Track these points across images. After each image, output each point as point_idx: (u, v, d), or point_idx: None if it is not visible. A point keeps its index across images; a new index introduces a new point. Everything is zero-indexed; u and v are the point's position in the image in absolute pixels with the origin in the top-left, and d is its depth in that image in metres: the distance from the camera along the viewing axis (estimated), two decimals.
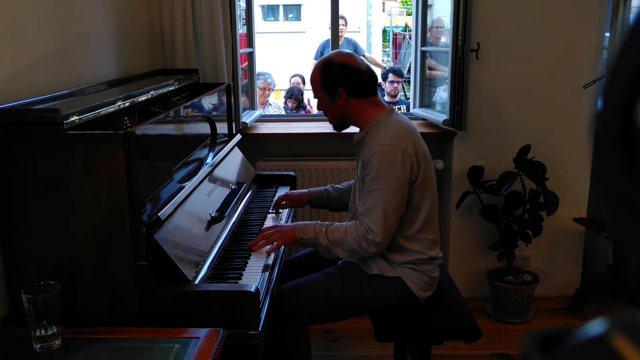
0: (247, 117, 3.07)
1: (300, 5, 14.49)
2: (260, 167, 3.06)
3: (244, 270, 1.77)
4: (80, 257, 1.49)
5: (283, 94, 5.81)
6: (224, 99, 2.56)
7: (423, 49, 3.29)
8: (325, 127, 2.90)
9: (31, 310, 1.31)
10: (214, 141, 2.32)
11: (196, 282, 1.59)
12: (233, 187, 2.26)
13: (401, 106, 4.91)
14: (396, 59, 11.10)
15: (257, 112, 3.33)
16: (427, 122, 3.17)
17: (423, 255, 1.93)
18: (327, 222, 1.93)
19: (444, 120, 2.92)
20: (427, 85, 3.35)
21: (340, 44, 5.14)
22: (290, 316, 1.86)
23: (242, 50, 3.05)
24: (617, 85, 0.33)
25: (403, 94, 5.88)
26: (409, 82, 5.14)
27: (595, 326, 0.36)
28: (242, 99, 3.09)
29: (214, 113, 2.36)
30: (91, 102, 1.60)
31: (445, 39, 3.15)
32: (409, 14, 12.77)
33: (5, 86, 1.57)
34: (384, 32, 14.08)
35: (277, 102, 5.45)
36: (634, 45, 0.32)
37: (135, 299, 1.48)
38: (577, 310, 3.05)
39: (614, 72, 0.33)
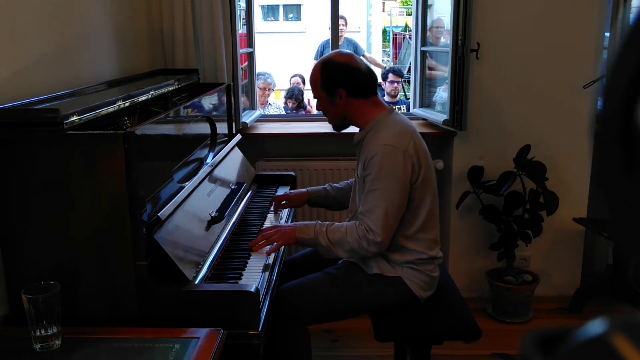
0: (247, 117, 3.07)
1: (300, 5, 14.49)
2: (260, 167, 3.06)
3: (244, 270, 1.77)
4: (80, 257, 1.49)
5: (283, 94, 5.81)
6: (224, 99, 2.56)
7: (423, 49, 3.29)
8: (325, 127, 2.90)
9: (31, 310, 1.31)
10: (214, 141, 2.32)
11: (196, 282, 1.59)
12: (233, 187, 2.26)
13: (401, 106, 4.91)
14: (396, 59, 11.10)
15: (257, 112, 3.33)
16: (427, 122, 3.17)
17: (423, 255, 1.93)
18: (328, 222, 1.93)
19: (444, 120, 2.92)
20: (427, 85, 3.35)
21: (340, 44, 5.14)
22: (290, 316, 1.86)
23: (242, 50, 3.06)
24: (617, 85, 0.33)
25: (403, 94, 5.88)
26: (409, 82, 5.14)
27: (595, 326, 0.36)
28: (242, 99, 3.09)
29: (214, 113, 2.36)
30: (91, 102, 1.60)
31: (445, 39, 3.15)
32: (409, 14, 12.77)
33: (5, 86, 1.57)
34: (384, 32, 14.09)
35: (277, 102, 5.45)
36: (634, 45, 0.32)
37: (135, 299, 1.48)
38: (577, 310, 3.05)
39: (614, 72, 0.33)
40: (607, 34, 2.94)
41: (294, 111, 4.84)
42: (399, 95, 5.07)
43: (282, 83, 6.50)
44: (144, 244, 1.47)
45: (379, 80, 5.01)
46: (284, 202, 2.32)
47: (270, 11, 14.73)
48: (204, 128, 2.24)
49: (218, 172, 2.17)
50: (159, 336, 1.38)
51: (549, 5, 2.89)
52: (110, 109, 1.66)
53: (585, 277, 3.19)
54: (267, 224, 2.20)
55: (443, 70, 3.17)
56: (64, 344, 1.35)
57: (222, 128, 2.45)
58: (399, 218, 1.87)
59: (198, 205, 1.88)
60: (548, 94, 2.97)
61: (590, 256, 3.33)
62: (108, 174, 1.43)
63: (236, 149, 2.53)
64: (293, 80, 5.33)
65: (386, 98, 4.91)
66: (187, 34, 2.80)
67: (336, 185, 2.32)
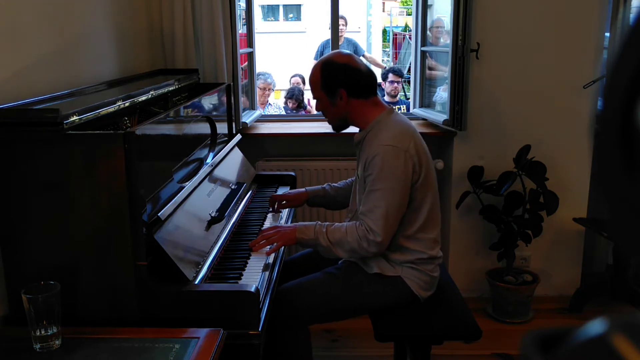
0: (247, 117, 3.07)
1: (300, 5, 14.49)
2: (260, 167, 3.06)
3: (244, 270, 1.77)
4: (80, 257, 1.49)
5: (283, 94, 5.81)
6: (224, 99, 2.56)
7: (423, 49, 3.29)
8: (325, 127, 2.90)
9: (31, 310, 1.31)
10: (214, 141, 2.32)
11: (196, 282, 1.59)
12: (233, 187, 2.26)
13: (401, 106, 4.91)
14: (396, 59, 11.10)
15: (257, 112, 3.33)
16: (427, 122, 3.17)
17: (423, 254, 1.93)
18: (327, 223, 1.93)
19: (444, 120, 2.92)
20: (427, 85, 3.35)
21: (340, 44, 5.14)
22: (290, 316, 1.86)
23: (242, 50, 3.06)
24: (617, 85, 0.33)
25: (403, 94, 5.88)
26: (409, 82, 5.14)
27: (595, 326, 0.36)
28: (242, 99, 3.09)
29: (214, 113, 2.36)
30: (91, 102, 1.60)
31: (445, 39, 3.15)
32: (409, 14, 12.77)
33: (5, 86, 1.57)
34: (384, 32, 14.09)
35: (277, 102, 5.45)
36: (634, 45, 0.32)
37: (135, 299, 1.48)
38: (577, 310, 3.05)
39: (614, 72, 0.33)
40: (607, 34, 2.94)
41: (294, 111, 4.84)
42: (399, 95, 5.07)
43: (282, 83, 6.50)
44: (144, 244, 1.47)
45: (379, 80, 5.02)
46: (284, 202, 2.32)
47: (270, 11, 14.73)
48: (204, 128, 2.24)
49: (218, 172, 2.17)
50: (159, 336, 1.38)
51: (549, 5, 2.89)
52: (110, 109, 1.66)
53: (585, 277, 3.19)
54: (267, 224, 2.21)
55: (443, 70, 3.17)
56: (64, 344, 1.35)
57: (222, 128, 2.45)
58: (399, 218, 1.87)
59: (198, 205, 1.88)
60: (548, 94, 2.97)
61: (590, 256, 3.33)
62: (108, 174, 1.43)
63: (236, 149, 2.53)
64: (293, 80, 5.33)
65: (386, 98, 4.91)
66: (187, 34, 2.80)
67: (335, 184, 2.32)
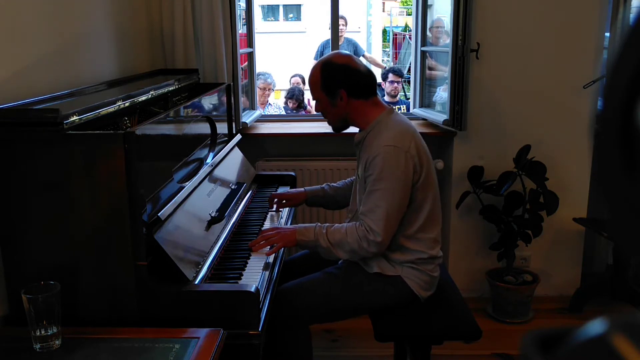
0: (247, 117, 3.07)
1: (300, 5, 14.49)
2: (260, 167, 3.06)
3: (244, 270, 1.77)
4: (80, 257, 1.49)
5: (283, 94, 5.81)
6: (224, 99, 2.56)
7: (423, 49, 3.29)
8: (325, 127, 2.90)
9: (31, 310, 1.31)
10: (214, 141, 2.32)
11: (196, 282, 1.59)
12: (233, 187, 2.26)
13: (401, 106, 4.91)
14: (396, 59, 11.10)
15: (257, 112, 3.33)
16: (427, 122, 3.17)
17: (424, 254, 1.93)
18: (327, 224, 1.93)
19: (444, 120, 2.92)
20: (427, 85, 3.35)
21: (340, 44, 5.14)
22: (290, 316, 1.86)
23: (242, 50, 3.06)
24: (617, 85, 0.33)
25: (403, 94, 5.88)
26: (409, 82, 5.14)
27: (595, 326, 0.36)
28: (242, 99, 3.09)
29: (214, 113, 2.36)
30: (91, 102, 1.60)
31: (445, 39, 3.15)
32: (409, 14, 12.77)
33: (5, 86, 1.57)
34: (384, 32, 14.08)
35: (277, 102, 5.45)
36: (634, 45, 0.32)
37: (135, 299, 1.48)
38: (577, 310, 3.05)
39: (614, 72, 0.33)
40: (607, 34, 2.94)
41: (295, 111, 4.84)
42: (399, 95, 5.07)
43: (282, 83, 6.50)
44: (144, 244, 1.47)
45: (379, 80, 5.03)
46: (283, 201, 2.32)
47: (270, 11, 14.73)
48: (204, 128, 2.24)
49: (218, 172, 2.17)
50: (159, 336, 1.38)
51: (549, 5, 2.89)
52: (110, 109, 1.66)
53: (585, 277, 3.19)
54: (267, 223, 2.21)
55: (443, 70, 3.17)
56: (64, 344, 1.35)
57: (222, 128, 2.45)
58: (399, 218, 1.87)
59: (198, 205, 1.88)
60: (548, 94, 2.97)
61: (590, 256, 3.33)
62: (108, 174, 1.43)
63: (236, 149, 2.53)
64: (293, 80, 5.33)
65: (386, 98, 4.91)
66: (187, 34, 2.80)
67: (334, 184, 2.33)
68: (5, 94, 1.54)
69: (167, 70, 2.76)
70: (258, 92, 3.90)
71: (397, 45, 11.82)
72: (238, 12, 2.95)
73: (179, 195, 1.73)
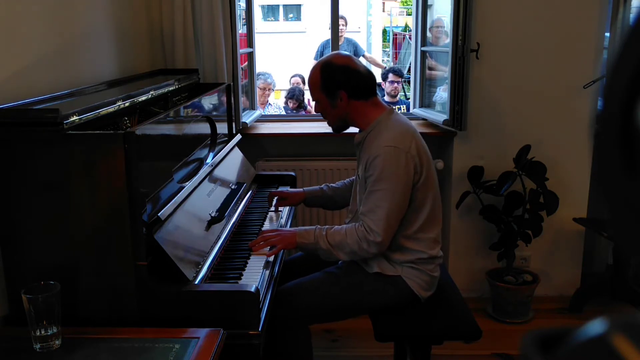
0: (247, 117, 3.07)
1: (300, 5, 14.48)
2: (260, 167, 3.06)
3: (244, 270, 1.77)
4: (80, 257, 1.49)
5: (283, 94, 5.80)
6: (224, 99, 2.56)
7: (423, 49, 3.29)
8: (325, 127, 2.90)
9: (31, 310, 1.31)
10: (214, 141, 2.32)
11: (196, 282, 1.59)
12: (233, 187, 2.26)
13: (401, 106, 4.91)
14: (396, 59, 11.10)
15: (257, 112, 3.33)
16: (427, 122, 3.17)
17: (424, 254, 1.93)
18: (327, 226, 1.93)
19: (444, 120, 2.92)
20: (427, 85, 3.35)
21: (340, 44, 5.14)
22: (290, 316, 1.86)
23: (242, 50, 3.05)
24: (617, 85, 0.33)
25: (403, 94, 5.88)
26: (409, 82, 5.14)
27: (595, 326, 0.36)
28: (242, 99, 3.09)
29: (214, 113, 2.36)
30: (91, 102, 1.60)
31: (445, 39, 3.15)
32: (409, 14, 12.77)
33: (5, 86, 1.57)
34: (384, 32, 14.08)
35: (277, 102, 5.45)
36: (634, 45, 0.32)
37: (135, 299, 1.48)
38: (577, 310, 3.05)
39: (614, 72, 0.33)
40: (607, 34, 2.94)
41: (295, 111, 4.84)
42: (399, 95, 5.07)
43: (282, 83, 6.50)
44: (144, 244, 1.47)
45: (379, 80, 5.03)
46: (282, 199, 2.32)
47: (270, 11, 14.73)
48: (204, 128, 2.24)
49: (218, 172, 2.17)
50: (159, 336, 1.38)
51: (549, 5, 2.89)
52: (110, 109, 1.66)
53: (585, 277, 3.19)
54: (267, 223, 2.21)
55: (443, 70, 3.17)
56: (64, 344, 1.35)
57: (222, 128, 2.45)
58: (400, 219, 1.87)
59: (198, 205, 1.88)
60: (548, 94, 2.97)
61: (590, 256, 3.33)
62: (108, 174, 1.43)
63: (236, 149, 2.53)
64: (293, 80, 5.33)
65: (386, 98, 4.91)
66: (187, 34, 2.80)
67: (332, 185, 2.33)
68: (5, 94, 1.54)
69: (167, 70, 2.76)
70: (258, 92, 3.90)
71: (397, 45, 11.82)
72: (238, 12, 2.95)
73: (179, 195, 1.73)
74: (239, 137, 2.61)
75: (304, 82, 5.20)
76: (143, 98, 1.89)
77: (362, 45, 7.88)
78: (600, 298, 3.05)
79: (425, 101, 3.35)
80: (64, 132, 1.41)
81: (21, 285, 1.35)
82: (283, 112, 4.84)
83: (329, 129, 2.11)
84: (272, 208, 2.31)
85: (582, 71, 2.92)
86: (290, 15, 14.77)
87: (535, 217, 2.89)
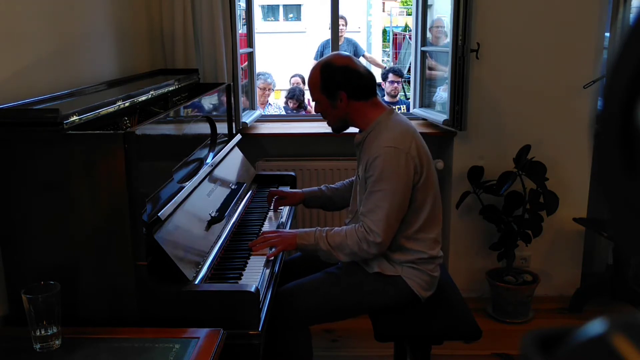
0: (247, 117, 3.07)
1: (300, 5, 14.48)
2: (260, 167, 3.06)
3: (244, 270, 1.77)
4: (80, 257, 1.49)
5: (283, 94, 5.80)
6: (224, 99, 2.56)
7: (423, 49, 3.29)
8: (325, 127, 2.90)
9: (31, 310, 1.31)
10: (214, 141, 2.32)
11: (196, 282, 1.59)
12: (233, 187, 2.26)
13: (401, 106, 4.91)
14: (396, 59, 11.10)
15: (257, 112, 3.33)
16: (427, 122, 3.17)
17: (424, 254, 1.93)
18: (327, 228, 1.93)
19: (444, 120, 2.92)
20: (427, 85, 3.35)
21: (340, 44, 5.14)
22: (290, 317, 1.86)
23: (242, 50, 3.05)
24: (617, 85, 0.33)
25: (403, 94, 5.87)
26: (409, 82, 5.14)
27: (595, 326, 0.36)
28: (242, 99, 3.09)
29: (214, 113, 2.36)
30: (91, 102, 1.60)
31: (446, 39, 3.15)
32: (409, 14, 12.76)
33: (5, 86, 1.57)
34: (384, 32, 14.08)
35: (277, 102, 5.45)
36: (634, 45, 0.32)
37: (135, 299, 1.48)
38: (577, 310, 3.05)
39: (614, 72, 0.33)
40: (607, 34, 2.94)
41: (295, 111, 4.84)
42: (399, 95, 5.07)
43: (282, 83, 6.50)
44: (144, 244, 1.47)
45: (379, 80, 5.03)
46: (281, 199, 2.32)
47: (270, 11, 14.73)
48: (204, 128, 2.24)
49: (218, 172, 2.17)
50: (159, 336, 1.38)
51: (549, 5, 2.89)
52: (110, 109, 1.66)
53: (585, 277, 3.19)
54: (267, 223, 2.21)
55: (443, 70, 3.17)
56: (64, 344, 1.35)
57: (222, 128, 2.45)
58: (400, 219, 1.87)
59: (198, 205, 1.88)
60: (548, 94, 2.97)
61: (590, 256, 3.33)
62: (108, 174, 1.43)
63: (236, 149, 2.53)
64: (293, 80, 5.33)
65: (386, 98, 4.91)
66: (187, 34, 2.80)
67: (331, 186, 2.33)
68: (5, 94, 1.54)
69: (167, 70, 2.76)
70: (258, 92, 3.90)
71: (397, 45, 11.82)
72: (238, 12, 2.95)
73: (179, 195, 1.73)
74: (239, 137, 2.61)
75: (304, 82, 5.20)
76: (143, 98, 1.89)
77: (362, 45, 7.88)
78: (600, 298, 3.05)
79: (425, 101, 3.35)
80: (64, 132, 1.41)
81: (21, 285, 1.35)
82: (283, 112, 4.84)
83: (328, 129, 2.11)
84: (272, 208, 2.32)
85: (582, 71, 2.92)
86: (290, 15, 14.76)
87: (535, 217, 2.89)
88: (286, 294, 1.90)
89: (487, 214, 2.97)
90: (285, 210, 2.36)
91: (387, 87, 4.98)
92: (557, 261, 3.16)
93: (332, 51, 3.20)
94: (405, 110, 4.69)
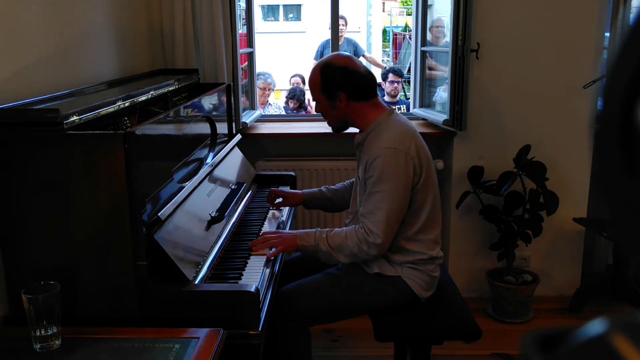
0: (247, 117, 3.07)
1: (300, 5, 14.48)
2: (260, 167, 3.06)
3: (244, 270, 1.77)
4: (80, 257, 1.49)
5: (283, 94, 5.80)
6: (224, 99, 2.56)
7: (423, 49, 3.29)
8: (325, 127, 2.90)
9: (31, 310, 1.31)
10: (214, 141, 2.32)
11: (196, 282, 1.59)
12: (233, 187, 2.26)
13: (401, 106, 4.91)
14: (396, 59, 11.09)
15: (257, 112, 3.33)
16: (427, 122, 3.17)
17: (424, 255, 1.93)
18: (327, 229, 1.93)
19: (444, 120, 2.92)
20: (427, 85, 3.35)
21: (340, 44, 5.14)
22: (291, 318, 1.86)
23: (242, 50, 3.05)
24: (617, 85, 0.33)
25: (403, 94, 5.87)
26: (409, 82, 5.14)
27: (595, 326, 0.36)
28: (242, 99, 3.09)
29: (214, 113, 2.36)
30: (91, 102, 1.60)
31: (446, 39, 3.15)
32: (409, 14, 12.76)
33: (5, 86, 1.57)
34: (384, 32, 14.08)
35: (277, 102, 5.45)
36: (634, 45, 0.32)
37: (135, 299, 1.48)
38: (577, 310, 3.05)
39: (614, 72, 0.33)
40: (607, 34, 2.94)
41: (296, 111, 4.84)
42: (399, 95, 5.07)
43: (282, 83, 6.50)
44: (144, 244, 1.47)
45: (379, 80, 5.02)
46: (281, 199, 2.32)
47: (270, 11, 14.73)
48: (204, 128, 2.24)
49: (218, 172, 2.17)
50: (159, 336, 1.38)
51: (548, 5, 2.89)
52: (110, 109, 1.66)
53: (585, 277, 3.19)
54: (267, 224, 2.21)
55: (443, 70, 3.17)
56: (64, 344, 1.35)
57: (222, 128, 2.45)
58: (400, 220, 1.87)
59: (198, 205, 1.88)
60: (548, 94, 2.97)
61: (590, 256, 3.33)
62: (108, 174, 1.43)
63: (236, 149, 2.53)
64: (293, 80, 5.33)
65: (386, 98, 4.91)
66: (187, 34, 2.80)
67: (332, 187, 2.33)
68: (5, 94, 1.54)
69: (167, 70, 2.76)
70: (258, 92, 3.90)
71: (397, 45, 11.81)
72: (238, 12, 2.95)
73: (179, 195, 1.73)
74: (239, 137, 2.61)
75: (304, 82, 5.20)
76: (143, 98, 1.89)
77: (362, 45, 7.88)
78: (600, 298, 3.05)
79: (425, 101, 3.35)
80: (64, 132, 1.41)
81: (21, 285, 1.35)
82: (283, 112, 4.84)
83: (329, 129, 2.11)
84: (272, 208, 2.32)
85: (582, 71, 2.92)
86: (290, 15, 14.76)
87: (535, 217, 2.89)
88: (286, 294, 1.90)
89: (487, 214, 2.97)
90: (285, 210, 2.36)
91: (387, 87, 4.98)
92: (557, 261, 3.16)
93: (332, 51, 3.21)
94: (405, 110, 4.69)
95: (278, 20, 14.74)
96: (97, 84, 2.04)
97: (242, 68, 3.13)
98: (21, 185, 1.45)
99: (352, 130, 2.06)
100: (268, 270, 1.79)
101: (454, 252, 3.16)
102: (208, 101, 2.29)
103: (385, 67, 6.41)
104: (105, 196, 1.44)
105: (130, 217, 1.44)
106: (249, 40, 3.28)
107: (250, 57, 3.31)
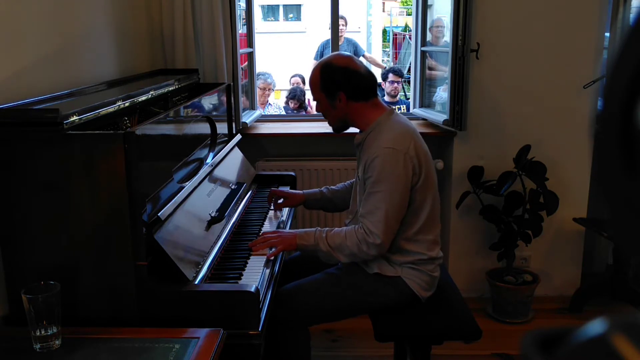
0: (247, 117, 3.07)
1: (300, 5, 14.48)
2: (260, 167, 3.06)
3: (244, 270, 1.77)
4: (80, 257, 1.49)
5: (283, 94, 5.80)
6: (224, 99, 2.56)
7: (423, 49, 3.29)
8: (325, 127, 2.90)
9: (31, 310, 1.31)
10: (214, 141, 2.32)
11: (196, 282, 1.59)
12: (233, 187, 2.26)
13: (401, 106, 4.91)
14: (396, 59, 11.10)
15: (257, 112, 3.33)
16: (427, 122, 3.17)
17: (423, 255, 1.93)
18: (327, 228, 1.93)
19: (444, 120, 2.92)
20: (427, 85, 3.35)
21: (340, 44, 5.14)
22: (291, 318, 1.86)
23: (242, 50, 3.06)
24: (617, 85, 0.33)
25: (403, 94, 5.87)
26: (409, 82, 5.14)
27: (595, 326, 0.36)
28: (242, 99, 3.09)
29: (214, 113, 2.36)
30: (91, 102, 1.60)
31: (446, 39, 3.15)
32: (409, 14, 12.77)
33: (5, 86, 1.57)
34: (384, 32, 14.08)
35: (277, 102, 5.45)
36: (634, 45, 0.32)
37: (135, 299, 1.48)
38: (577, 310, 3.05)
39: (614, 72, 0.33)
40: (607, 34, 2.94)
41: (296, 111, 4.84)
42: (399, 95, 5.07)
43: (282, 83, 6.50)
44: (144, 244, 1.47)
45: (379, 80, 5.02)
46: (281, 200, 2.32)
47: (270, 11, 14.73)
48: (204, 128, 2.24)
49: (218, 172, 2.17)
50: (159, 336, 1.38)
51: (549, 5, 2.89)
52: (110, 109, 1.66)
53: (585, 277, 3.19)
54: (267, 223, 2.21)
55: (443, 70, 3.17)
56: (64, 344, 1.35)
57: (222, 128, 2.45)
58: (399, 220, 1.87)
59: (198, 205, 1.88)
60: (548, 94, 2.97)
61: (590, 256, 3.34)
62: (108, 174, 1.43)
63: (236, 149, 2.53)
64: (293, 80, 5.33)
65: (386, 98, 4.91)
66: (187, 34, 2.80)
67: (332, 187, 2.33)
68: (5, 94, 1.54)
69: (167, 70, 2.76)
70: (258, 92, 3.90)
71: (397, 45, 11.82)
72: (238, 12, 2.95)
73: (179, 195, 1.73)
74: (239, 137, 2.61)
75: (304, 82, 5.20)
76: (143, 98, 1.89)
77: (362, 45, 7.88)
78: (600, 298, 3.05)
79: (425, 101, 3.35)
80: (64, 132, 1.41)
81: (21, 285, 1.35)
82: (283, 112, 4.84)
83: (329, 129, 2.11)
84: (272, 207, 2.32)
85: (582, 71, 2.92)
86: (290, 15, 14.77)
87: (535, 217, 2.89)
88: (286, 294, 1.90)
89: (487, 214, 2.97)
90: (285, 210, 2.36)
91: (387, 87, 4.98)
92: (557, 261, 3.16)
93: (332, 51, 3.20)
94: (405, 110, 4.69)
95: (278, 20, 14.74)
96: (97, 84, 2.04)
97: (242, 68, 3.13)
98: (21, 185, 1.45)
99: (352, 130, 2.06)
100: (268, 270, 1.79)
101: (454, 252, 3.16)
102: (208, 101, 2.29)
103: (385, 67, 6.41)
104: (105, 196, 1.44)
105: (130, 217, 1.44)
106: (249, 40, 3.28)
107: (250, 57, 3.31)
